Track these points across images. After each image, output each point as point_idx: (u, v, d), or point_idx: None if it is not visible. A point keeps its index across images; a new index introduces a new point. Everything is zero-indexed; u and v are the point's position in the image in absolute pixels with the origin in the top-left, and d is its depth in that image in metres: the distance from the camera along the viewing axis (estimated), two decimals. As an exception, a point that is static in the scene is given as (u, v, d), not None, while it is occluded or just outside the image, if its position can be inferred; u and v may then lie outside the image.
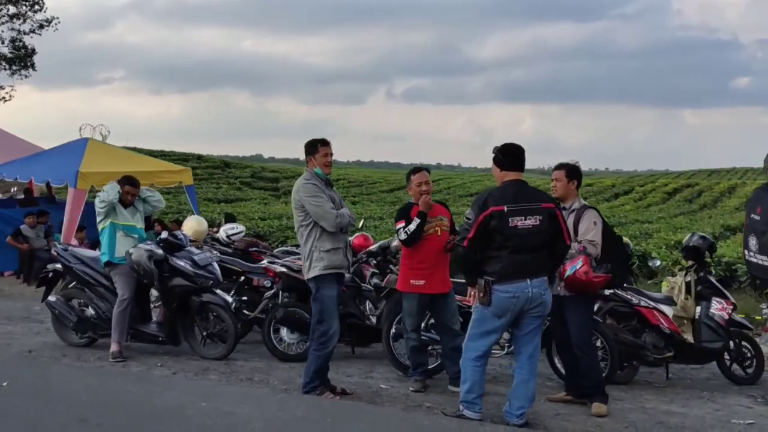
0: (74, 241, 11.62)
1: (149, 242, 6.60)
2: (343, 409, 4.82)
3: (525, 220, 4.61)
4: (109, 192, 6.61)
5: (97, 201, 6.77)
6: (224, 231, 9.20)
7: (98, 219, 6.71)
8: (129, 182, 6.83)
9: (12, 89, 28.18)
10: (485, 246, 4.66)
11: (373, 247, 7.52)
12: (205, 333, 6.63)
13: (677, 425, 5.17)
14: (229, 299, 6.75)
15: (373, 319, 7.10)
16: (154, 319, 6.89)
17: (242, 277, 7.72)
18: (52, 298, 6.98)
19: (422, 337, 5.95)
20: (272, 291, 6.93)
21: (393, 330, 6.29)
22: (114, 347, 6.50)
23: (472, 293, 4.82)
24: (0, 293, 11.33)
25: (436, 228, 5.79)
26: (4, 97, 29.13)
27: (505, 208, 4.59)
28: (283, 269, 6.96)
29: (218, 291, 6.73)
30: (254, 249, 9.43)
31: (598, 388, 5.40)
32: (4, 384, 5.07)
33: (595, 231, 5.38)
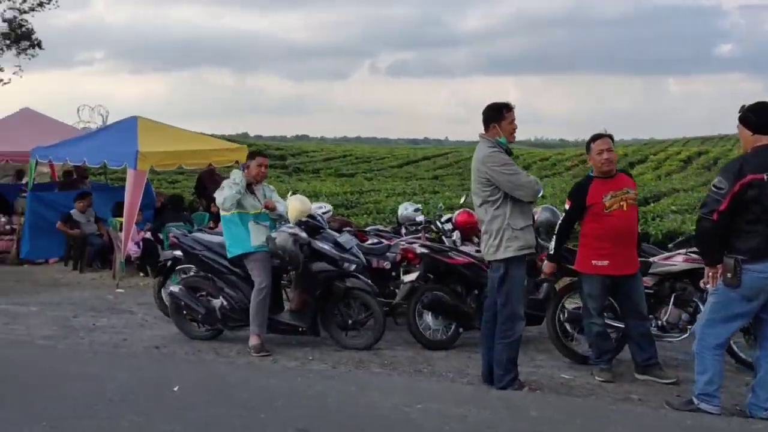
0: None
1: (291, 225, 6.02)
2: (580, 407, 4.33)
3: None
4: (236, 179, 5.96)
5: (222, 194, 6.06)
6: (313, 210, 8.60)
7: (223, 206, 6.08)
8: (260, 153, 6.26)
9: (19, 69, 26.96)
10: (735, 219, 4.16)
11: None
12: (350, 321, 6.09)
13: None
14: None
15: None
16: (287, 307, 6.34)
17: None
18: (174, 288, 6.39)
19: (606, 322, 5.46)
20: (415, 274, 6.39)
21: (564, 315, 5.79)
22: (254, 340, 5.95)
23: (711, 274, 4.31)
24: (56, 282, 10.69)
25: (621, 202, 5.26)
26: (2, 80, 27.92)
27: (766, 177, 4.08)
28: (424, 250, 6.42)
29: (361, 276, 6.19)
30: (348, 229, 8.89)
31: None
32: (176, 389, 4.53)
33: None
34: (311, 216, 6.22)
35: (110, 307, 8.53)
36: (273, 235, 5.89)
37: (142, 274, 11.05)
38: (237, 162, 12.58)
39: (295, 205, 7.16)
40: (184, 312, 6.40)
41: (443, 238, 7.53)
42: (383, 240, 8.15)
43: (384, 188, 22.73)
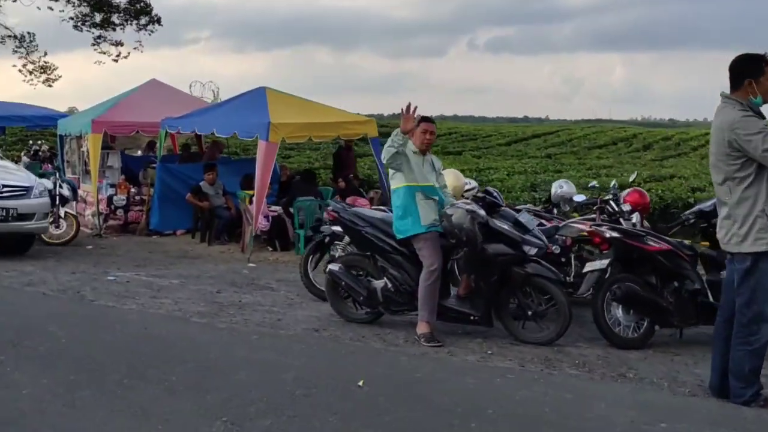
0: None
1: (467, 200, 5.38)
2: None
3: None
4: (395, 140, 5.34)
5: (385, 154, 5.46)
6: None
7: (384, 162, 5.49)
8: (426, 119, 5.62)
9: (140, 45, 27.58)
10: None
11: (707, 207, 6.00)
12: (530, 312, 5.39)
13: None
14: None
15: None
16: (453, 293, 5.71)
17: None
18: (333, 266, 5.88)
19: None
20: (603, 262, 5.60)
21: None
22: (424, 328, 5.36)
23: None
24: (186, 254, 10.56)
25: None
26: (121, 53, 28.60)
27: None
28: (615, 234, 5.61)
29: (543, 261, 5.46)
30: (500, 208, 8.16)
31: None
32: (361, 384, 3.99)
33: None
34: (487, 191, 5.54)
35: (249, 282, 8.23)
36: (448, 211, 5.25)
37: (270, 249, 10.82)
38: (366, 135, 12.13)
39: (449, 180, 6.47)
40: (341, 291, 5.91)
41: (621, 220, 6.69)
42: (543, 221, 7.38)
43: (501, 166, 21.81)
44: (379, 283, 5.70)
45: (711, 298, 5.59)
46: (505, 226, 5.32)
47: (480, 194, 5.49)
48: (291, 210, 10.68)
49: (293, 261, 10.11)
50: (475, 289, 5.49)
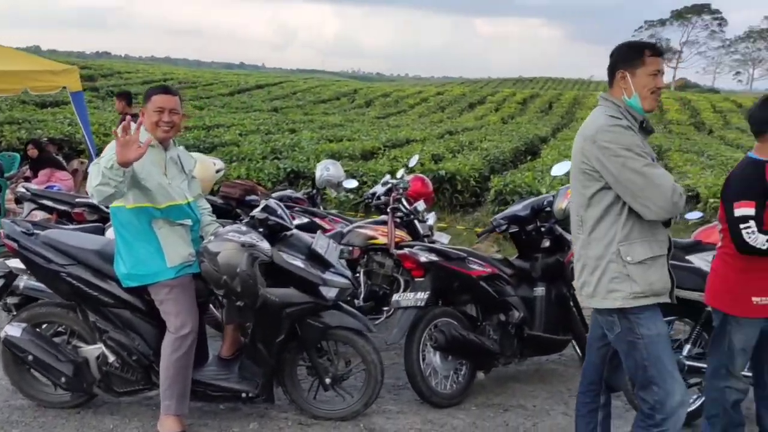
0: None
1: (240, 227, 3.46)
2: None
3: None
4: (110, 177, 3.12)
5: (91, 174, 3.17)
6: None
7: (98, 197, 3.20)
8: (164, 89, 3.54)
9: None
10: None
11: (521, 210, 4.80)
12: (328, 379, 3.76)
13: None
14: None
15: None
16: (212, 356, 3.83)
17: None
18: (13, 330, 3.57)
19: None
20: (421, 297, 4.13)
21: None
22: (172, 425, 3.42)
23: None
24: None
25: None
26: None
27: None
28: (434, 257, 4.18)
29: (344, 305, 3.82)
30: (253, 198, 6.36)
31: None
32: None
33: None
34: (268, 209, 3.67)
35: None
36: (211, 247, 3.32)
37: None
38: (65, 88, 9.30)
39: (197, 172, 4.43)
40: (28, 368, 3.70)
41: (415, 222, 5.35)
42: (318, 220, 5.79)
43: (230, 122, 19.68)
44: (92, 351, 3.60)
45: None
46: (299, 263, 3.56)
47: (260, 214, 3.60)
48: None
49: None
50: (249, 349, 3.70)
